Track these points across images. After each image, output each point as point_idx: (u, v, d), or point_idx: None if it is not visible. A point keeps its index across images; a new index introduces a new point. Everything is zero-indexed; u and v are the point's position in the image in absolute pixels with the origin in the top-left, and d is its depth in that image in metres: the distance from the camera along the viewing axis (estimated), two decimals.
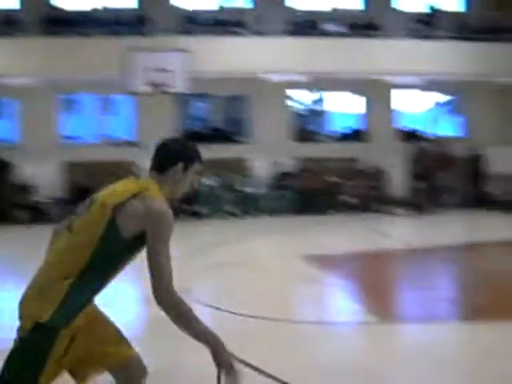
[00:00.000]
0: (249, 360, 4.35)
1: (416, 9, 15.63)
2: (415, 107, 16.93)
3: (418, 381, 4.55)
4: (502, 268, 8.41)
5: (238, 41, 14.26)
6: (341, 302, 7.20)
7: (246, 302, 6.64)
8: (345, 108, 16.71)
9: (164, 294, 2.51)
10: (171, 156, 2.77)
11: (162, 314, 2.53)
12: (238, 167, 14.89)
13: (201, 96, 15.65)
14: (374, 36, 14.47)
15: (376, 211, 14.41)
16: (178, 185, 2.77)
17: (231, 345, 2.63)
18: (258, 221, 13.89)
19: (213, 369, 2.53)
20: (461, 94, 16.53)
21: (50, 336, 2.50)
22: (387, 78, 14.43)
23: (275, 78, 13.72)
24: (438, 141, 15.68)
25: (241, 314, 6.02)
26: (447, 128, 17.12)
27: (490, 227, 13.27)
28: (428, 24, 15.13)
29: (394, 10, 15.64)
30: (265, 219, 14.00)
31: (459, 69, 14.41)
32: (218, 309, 6.25)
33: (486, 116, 15.99)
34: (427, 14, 15.32)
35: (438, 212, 14.49)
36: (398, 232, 12.76)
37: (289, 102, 15.99)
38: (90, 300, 2.68)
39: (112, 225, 2.55)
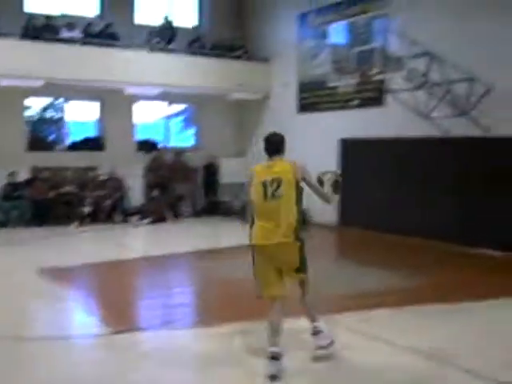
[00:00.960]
0: None
1: (153, 21, 15.90)
2: (152, 118, 17.24)
3: None
4: (235, 273, 8.97)
5: None
6: (75, 316, 7.08)
7: None
8: (83, 117, 16.34)
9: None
10: (283, 142, 5.50)
11: None
12: None
13: None
14: (112, 46, 14.41)
15: (115, 221, 14.34)
16: None
17: None
18: None
19: None
20: (195, 106, 17.26)
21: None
22: (125, 88, 14.48)
23: (4, 82, 12.90)
24: (174, 151, 16.17)
25: None
26: (183, 139, 17.73)
27: (225, 234, 14.12)
28: (164, 37, 15.50)
29: (132, 20, 15.75)
30: None
31: (194, 82, 15.03)
32: None
33: (219, 128, 16.92)
34: (163, 28, 15.68)
35: (175, 220, 14.93)
36: (136, 241, 12.88)
37: (24, 110, 15.19)
38: None
39: (297, 184, 5.21)
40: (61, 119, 15.72)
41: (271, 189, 5.13)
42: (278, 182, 5.13)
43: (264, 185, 5.16)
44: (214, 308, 7.36)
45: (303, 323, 5.57)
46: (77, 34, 14.30)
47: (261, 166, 5.40)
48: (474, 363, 5.18)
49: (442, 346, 5.64)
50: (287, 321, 5.26)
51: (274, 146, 5.44)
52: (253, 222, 5.28)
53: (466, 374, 5.02)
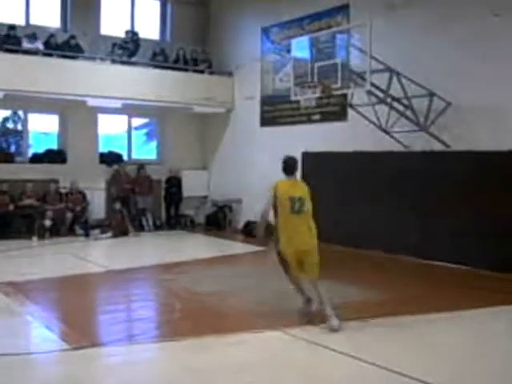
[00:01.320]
0: None
1: (116, 33, 15.83)
2: (115, 130, 17.11)
3: None
4: (197, 286, 8.95)
5: None
6: (33, 331, 6.94)
7: None
8: (46, 128, 16.14)
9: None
10: (297, 163, 7.15)
11: None
12: None
13: None
14: (74, 57, 14.30)
15: (77, 234, 14.17)
16: None
17: None
18: None
19: None
20: (158, 119, 17.22)
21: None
22: (87, 100, 14.37)
23: None
24: (137, 164, 16.07)
25: None
26: (146, 152, 17.64)
27: (187, 247, 14.10)
28: (128, 49, 15.45)
29: (96, 32, 15.66)
30: None
31: (157, 95, 15.00)
32: None
33: (181, 141, 16.91)
34: (127, 40, 15.62)
35: (137, 234, 14.82)
36: (98, 255, 12.73)
37: None
38: None
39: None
40: (22, 131, 15.49)
41: (298, 204, 6.79)
42: (302, 200, 6.84)
43: (292, 200, 6.79)
44: (176, 322, 7.33)
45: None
46: (39, 44, 14.15)
47: (286, 183, 7.02)
48: (433, 377, 5.24)
49: (401, 360, 5.70)
50: None
51: (292, 167, 7.11)
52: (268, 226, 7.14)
53: None
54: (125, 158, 16.46)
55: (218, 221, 16.03)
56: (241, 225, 15.49)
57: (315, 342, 6.21)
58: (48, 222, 13.88)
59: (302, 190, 6.90)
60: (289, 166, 7.05)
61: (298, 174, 7.62)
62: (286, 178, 7.07)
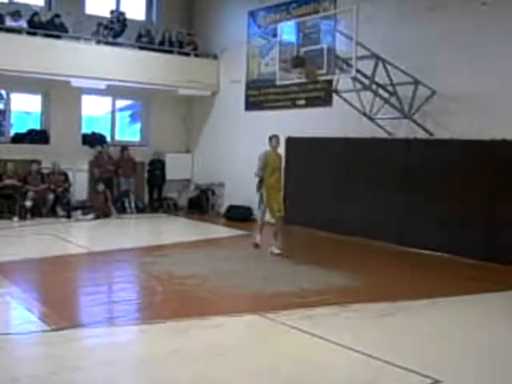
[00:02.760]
0: None
1: (102, 13, 15.66)
2: (98, 111, 16.99)
3: None
4: (178, 269, 8.96)
5: None
6: (13, 312, 6.92)
7: None
8: (27, 108, 15.97)
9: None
10: (279, 141, 10.86)
11: None
12: None
13: None
14: (58, 37, 14.13)
15: (58, 216, 14.09)
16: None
17: None
18: None
19: None
20: (143, 101, 17.11)
21: None
22: (71, 81, 14.22)
23: None
24: (120, 146, 15.97)
25: None
26: (129, 133, 17.55)
27: (169, 230, 14.10)
28: (113, 30, 15.29)
29: (81, 12, 15.47)
30: None
31: (142, 77, 14.91)
32: None
33: (165, 124, 16.84)
34: (113, 21, 15.45)
35: (120, 216, 14.78)
36: (79, 237, 12.66)
37: None
38: None
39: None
40: (4, 110, 15.31)
41: (277, 171, 10.59)
42: (279, 167, 10.71)
43: (274, 168, 10.45)
44: (156, 304, 7.34)
45: None
46: (22, 23, 13.96)
47: (272, 155, 10.53)
48: (409, 362, 5.30)
49: (378, 345, 5.76)
50: None
51: (276, 143, 10.64)
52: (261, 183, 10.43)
53: (401, 373, 5.14)
54: (108, 139, 16.35)
55: (200, 204, 16.02)
56: (223, 209, 15.50)
57: (294, 326, 6.25)
58: (29, 203, 13.77)
59: (280, 161, 10.74)
60: (275, 142, 10.63)
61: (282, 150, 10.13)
62: (271, 150, 10.56)
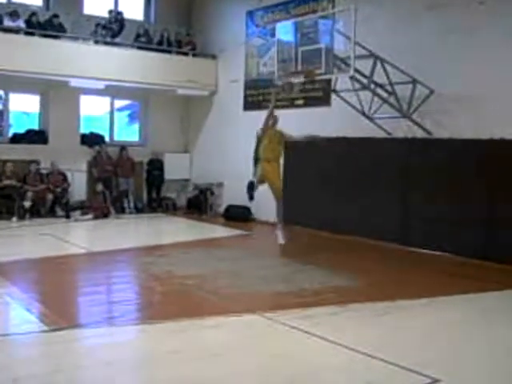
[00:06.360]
0: None
1: (100, 13, 15.65)
2: (97, 111, 16.96)
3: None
4: (178, 269, 8.96)
5: None
6: (12, 312, 6.91)
7: None
8: (26, 108, 15.96)
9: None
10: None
11: None
12: None
13: None
14: (57, 37, 14.13)
15: (57, 216, 14.09)
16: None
17: None
18: None
19: None
20: (141, 101, 17.09)
21: None
22: (70, 81, 14.22)
23: None
24: (119, 145, 15.96)
25: None
26: (128, 133, 17.53)
27: (168, 230, 14.09)
28: (112, 30, 15.28)
29: (79, 12, 15.46)
30: None
31: (140, 77, 14.90)
32: None
33: (164, 124, 16.84)
34: (112, 21, 15.44)
35: (118, 216, 14.77)
36: (78, 237, 12.68)
37: None
38: None
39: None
40: (2, 110, 15.29)
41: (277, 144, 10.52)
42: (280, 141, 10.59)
43: (272, 140, 10.40)
44: (156, 305, 7.34)
45: None
46: (20, 23, 13.95)
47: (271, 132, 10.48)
48: (408, 362, 5.30)
49: (378, 345, 5.77)
50: None
51: (276, 121, 10.67)
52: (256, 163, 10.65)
53: (400, 373, 5.14)
54: (107, 139, 16.34)
55: (199, 204, 16.01)
56: (222, 208, 15.49)
57: (293, 326, 6.25)
58: (28, 203, 13.77)
59: (281, 137, 10.56)
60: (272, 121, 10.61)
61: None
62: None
